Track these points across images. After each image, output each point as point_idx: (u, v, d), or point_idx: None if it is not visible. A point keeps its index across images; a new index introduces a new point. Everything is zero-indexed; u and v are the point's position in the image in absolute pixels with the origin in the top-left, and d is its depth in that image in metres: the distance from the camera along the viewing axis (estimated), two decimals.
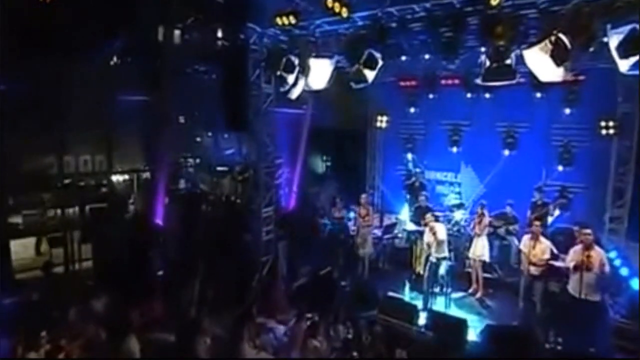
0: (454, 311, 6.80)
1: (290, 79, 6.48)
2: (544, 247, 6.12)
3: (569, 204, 8.37)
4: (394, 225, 8.85)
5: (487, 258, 7.24)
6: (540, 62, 4.83)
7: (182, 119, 8.95)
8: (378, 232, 8.42)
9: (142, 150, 8.68)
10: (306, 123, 10.22)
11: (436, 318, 5.98)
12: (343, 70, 6.22)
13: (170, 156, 8.65)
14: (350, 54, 5.63)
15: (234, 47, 6.74)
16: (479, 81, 5.79)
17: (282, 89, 6.76)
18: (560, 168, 8.32)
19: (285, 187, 9.98)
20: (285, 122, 9.83)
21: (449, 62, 5.65)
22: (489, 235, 7.72)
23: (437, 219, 7.23)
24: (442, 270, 6.72)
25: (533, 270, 6.10)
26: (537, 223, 6.18)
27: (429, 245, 6.73)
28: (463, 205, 8.61)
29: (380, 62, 5.64)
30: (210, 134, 10.83)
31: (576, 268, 5.42)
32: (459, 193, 9.20)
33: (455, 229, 8.17)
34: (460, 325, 5.76)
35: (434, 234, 6.60)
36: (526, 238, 6.23)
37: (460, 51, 5.51)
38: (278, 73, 6.44)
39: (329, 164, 11.93)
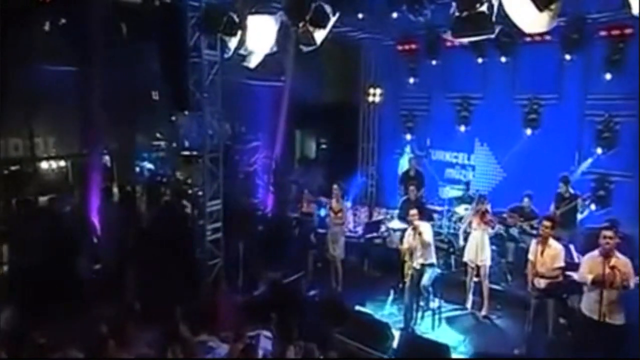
0: (443, 332, 6.29)
1: (233, 42, 5.97)
2: (554, 254, 5.44)
3: (608, 198, 7.67)
4: (379, 222, 8.40)
5: (488, 262, 6.64)
6: (520, 8, 4.08)
7: (155, 95, 8.57)
8: (361, 231, 8.08)
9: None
10: (284, 98, 9.83)
11: (409, 341, 5.43)
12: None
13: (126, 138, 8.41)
14: (292, 10, 5.05)
15: (169, 5, 6.23)
16: (447, 36, 5.04)
17: (225, 55, 6.25)
18: (599, 151, 7.70)
19: (263, 175, 9.68)
20: (262, 97, 9.60)
21: (417, 15, 4.95)
22: (498, 235, 7.20)
23: (429, 216, 6.68)
24: (425, 279, 6.19)
25: (541, 283, 5.45)
26: (547, 224, 5.49)
27: (410, 250, 6.21)
28: (470, 199, 7.99)
29: (333, 18, 5.01)
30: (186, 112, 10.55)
31: (595, 283, 4.70)
32: (467, 184, 8.57)
33: (457, 226, 7.79)
34: (439, 352, 5.20)
35: (419, 234, 6.06)
36: (533, 243, 5.62)
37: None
38: (219, 35, 5.93)
39: (324, 147, 11.61)
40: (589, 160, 7.74)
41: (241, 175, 9.34)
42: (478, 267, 6.61)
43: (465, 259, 6.72)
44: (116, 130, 8.01)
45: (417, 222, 6.11)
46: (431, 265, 6.26)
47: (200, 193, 6.73)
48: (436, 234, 7.97)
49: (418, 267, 6.20)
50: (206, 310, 6.17)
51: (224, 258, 6.90)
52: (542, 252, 5.46)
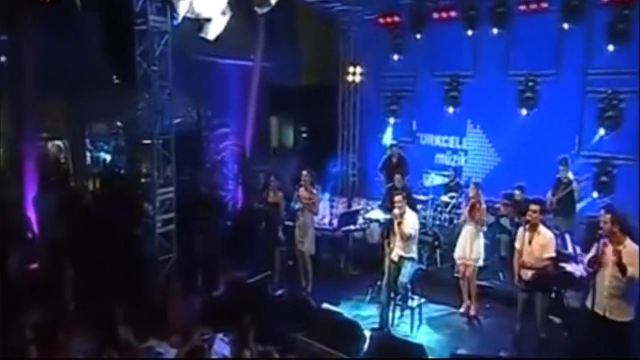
0: (423, 334, 6.03)
1: (182, 6, 5.64)
2: (544, 243, 5.15)
3: (611, 184, 7.46)
4: (355, 213, 8.06)
5: (481, 261, 6.45)
6: None
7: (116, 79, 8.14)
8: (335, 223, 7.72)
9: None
10: (255, 79, 9.53)
11: (379, 342, 5.15)
12: None
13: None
14: None
15: None
16: None
17: (175, 22, 5.93)
18: (601, 132, 7.51)
19: (232, 165, 9.43)
20: (231, 78, 9.33)
21: None
22: (490, 226, 6.92)
23: (413, 205, 6.52)
24: (403, 274, 5.91)
25: (529, 274, 5.16)
26: (534, 207, 5.19)
27: (388, 241, 5.95)
28: (457, 186, 7.85)
29: None
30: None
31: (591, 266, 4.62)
32: (455, 170, 8.37)
33: (442, 216, 7.59)
34: (412, 353, 4.93)
35: (399, 224, 5.80)
36: (521, 230, 5.29)
37: None
38: None
39: (304, 135, 11.40)
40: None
41: (207, 165, 9.04)
42: (466, 265, 6.42)
43: (456, 256, 6.53)
44: (59, 113, 7.66)
45: (398, 210, 5.83)
46: (411, 259, 5.99)
47: (149, 180, 6.37)
48: (420, 225, 7.74)
49: (396, 259, 5.94)
50: (156, 313, 5.92)
51: (178, 254, 6.56)
52: (530, 241, 5.21)
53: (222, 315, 5.71)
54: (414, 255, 6.05)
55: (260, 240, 7.31)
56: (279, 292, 6.79)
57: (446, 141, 9.22)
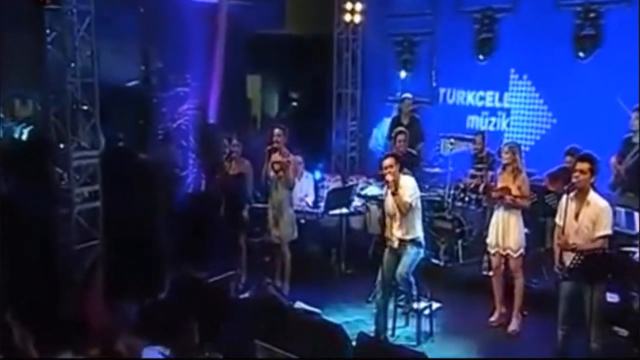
0: (435, 347, 5.96)
1: None
2: (595, 215, 4.96)
3: None
4: (348, 190, 7.95)
5: (522, 250, 6.29)
6: None
7: None
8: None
9: None
10: (221, 20, 9.48)
11: (367, 349, 5.05)
12: None
13: None
14: None
15: None
16: None
17: None
18: None
19: (190, 135, 9.33)
20: (194, 22, 9.16)
21: None
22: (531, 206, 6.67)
23: (409, 168, 6.47)
24: (403, 264, 5.76)
25: (573, 259, 4.93)
26: (583, 166, 4.97)
27: (382, 218, 6.01)
28: (488, 156, 7.71)
29: None
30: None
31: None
32: (482, 134, 8.13)
33: (467, 196, 7.64)
34: None
35: (394, 194, 5.71)
36: (563, 200, 5.21)
37: None
38: None
39: (294, 103, 11.44)
40: None
41: (159, 135, 8.95)
42: (506, 258, 6.29)
43: (488, 241, 6.47)
44: None
45: (393, 177, 5.74)
46: (414, 243, 5.85)
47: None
48: (437, 207, 7.89)
49: (396, 244, 5.85)
50: (69, 318, 6.02)
51: (106, 241, 6.54)
52: (576, 214, 5.06)
53: (164, 323, 5.54)
54: (419, 236, 5.92)
55: (218, 226, 7.30)
56: (245, 294, 6.82)
57: (481, 98, 9.16)
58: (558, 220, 5.25)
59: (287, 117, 10.88)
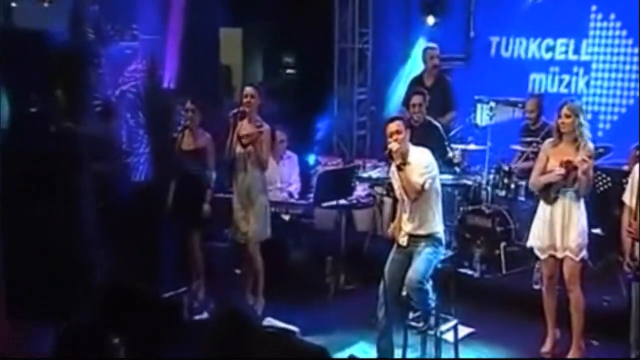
0: None
1: None
2: None
3: None
4: (348, 173, 8.05)
5: (584, 252, 6.22)
6: None
7: None
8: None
9: None
10: None
11: None
12: None
13: None
14: None
15: None
16: None
17: None
18: None
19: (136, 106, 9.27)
20: None
21: None
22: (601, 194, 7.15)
23: (429, 146, 6.33)
24: (414, 269, 5.67)
25: None
26: None
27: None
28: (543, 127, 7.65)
29: None
30: None
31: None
32: (540, 97, 8.26)
33: (512, 183, 7.65)
34: None
35: (400, 168, 5.69)
36: (634, 173, 5.49)
37: None
38: None
39: (290, 70, 11.67)
40: None
41: (95, 107, 8.92)
42: (560, 262, 6.23)
43: (531, 243, 6.44)
44: None
45: (399, 146, 5.70)
46: (430, 239, 5.78)
47: None
48: (471, 198, 8.00)
49: (404, 242, 5.81)
50: None
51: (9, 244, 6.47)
52: None
53: (87, 352, 5.92)
54: (436, 232, 5.92)
55: (167, 225, 7.39)
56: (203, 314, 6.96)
57: (549, 48, 9.23)
58: (626, 199, 5.48)
59: (280, 88, 11.07)
